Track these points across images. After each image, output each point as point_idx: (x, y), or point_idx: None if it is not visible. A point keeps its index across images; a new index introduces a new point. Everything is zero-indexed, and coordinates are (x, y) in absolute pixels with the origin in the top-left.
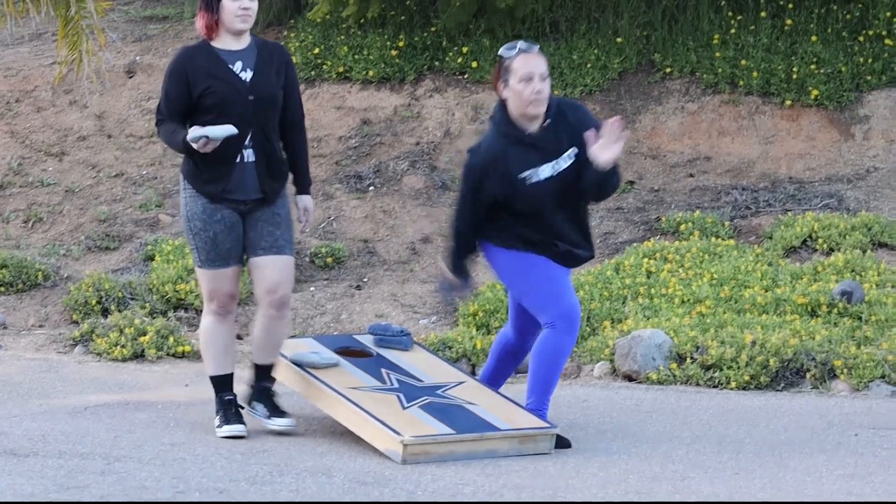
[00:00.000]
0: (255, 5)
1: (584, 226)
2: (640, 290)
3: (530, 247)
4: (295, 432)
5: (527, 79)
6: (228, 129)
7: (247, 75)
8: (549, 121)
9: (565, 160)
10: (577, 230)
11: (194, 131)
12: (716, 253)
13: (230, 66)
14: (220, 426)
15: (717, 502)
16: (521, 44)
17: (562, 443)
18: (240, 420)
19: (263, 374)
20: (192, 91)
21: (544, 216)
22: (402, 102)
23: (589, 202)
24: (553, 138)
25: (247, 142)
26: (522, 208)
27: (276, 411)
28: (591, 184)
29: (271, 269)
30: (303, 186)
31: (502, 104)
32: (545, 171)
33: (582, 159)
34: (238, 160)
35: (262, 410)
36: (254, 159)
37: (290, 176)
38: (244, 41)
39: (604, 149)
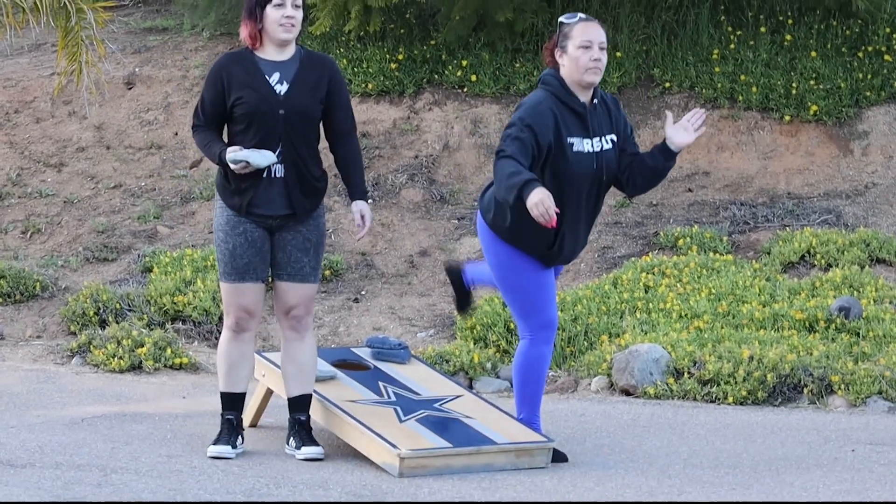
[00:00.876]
0: (299, 14)
1: (587, 234)
2: (638, 305)
3: (524, 246)
4: (320, 458)
5: (586, 46)
6: (270, 158)
7: (282, 88)
8: (596, 101)
9: (607, 142)
10: (581, 235)
11: (234, 153)
12: (714, 268)
13: (266, 77)
14: (211, 444)
15: (710, 502)
16: (581, 14)
17: (559, 457)
18: (229, 441)
19: (295, 406)
20: (226, 99)
21: (570, 204)
22: (401, 115)
23: (634, 191)
24: (598, 118)
25: (276, 156)
26: (559, 179)
27: (306, 441)
28: (651, 167)
29: (291, 294)
30: (357, 192)
31: (556, 72)
32: (588, 144)
33: (621, 149)
34: (265, 175)
35: (293, 444)
36: (283, 175)
37: (328, 192)
38: (288, 52)
39: (682, 131)
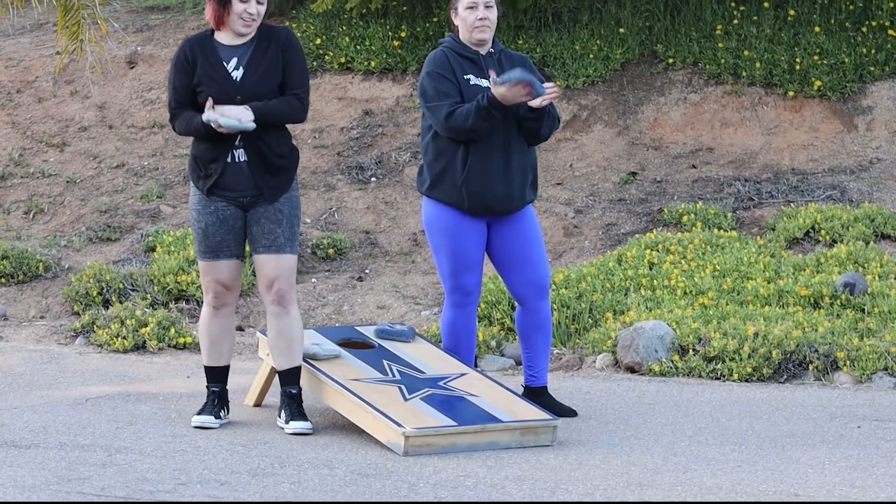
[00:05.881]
0: (262, 9)
1: (510, 180)
2: (643, 282)
3: (444, 192)
4: (308, 433)
5: (472, 6)
6: (244, 125)
7: (238, 74)
8: (493, 50)
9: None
10: (498, 175)
11: (209, 113)
12: (718, 244)
13: (224, 64)
14: (195, 415)
15: (709, 502)
16: None
17: (567, 412)
18: (212, 412)
19: (285, 379)
20: (193, 80)
21: (489, 139)
22: (404, 93)
23: (527, 138)
24: (495, 64)
25: (237, 142)
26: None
27: (295, 415)
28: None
29: (269, 267)
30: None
31: (454, 36)
32: (484, 82)
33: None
34: (229, 160)
35: (283, 418)
36: (246, 159)
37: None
38: (247, 35)
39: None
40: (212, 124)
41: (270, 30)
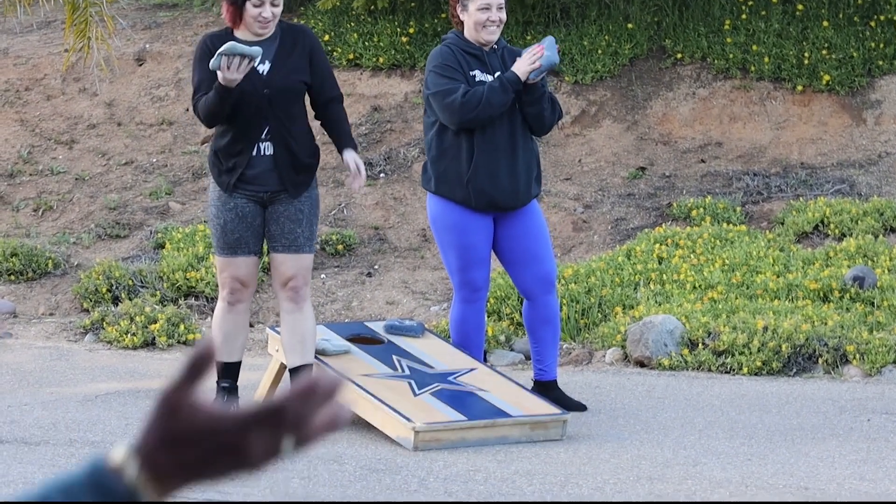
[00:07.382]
0: (277, 11)
1: (515, 177)
2: (652, 276)
3: (449, 188)
4: None
5: (485, 7)
6: (252, 50)
7: (264, 68)
8: (495, 46)
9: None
10: (503, 172)
11: (215, 60)
12: (727, 239)
13: None
14: None
15: (714, 502)
16: None
17: (576, 406)
18: None
19: (296, 376)
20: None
21: (482, 133)
22: (413, 89)
23: (531, 129)
24: (498, 60)
25: (263, 135)
26: None
27: None
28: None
29: (287, 266)
30: (346, 143)
31: (458, 33)
32: (488, 78)
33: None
34: (255, 153)
35: None
36: (272, 152)
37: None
38: (265, 35)
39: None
40: (223, 62)
41: (291, 28)
